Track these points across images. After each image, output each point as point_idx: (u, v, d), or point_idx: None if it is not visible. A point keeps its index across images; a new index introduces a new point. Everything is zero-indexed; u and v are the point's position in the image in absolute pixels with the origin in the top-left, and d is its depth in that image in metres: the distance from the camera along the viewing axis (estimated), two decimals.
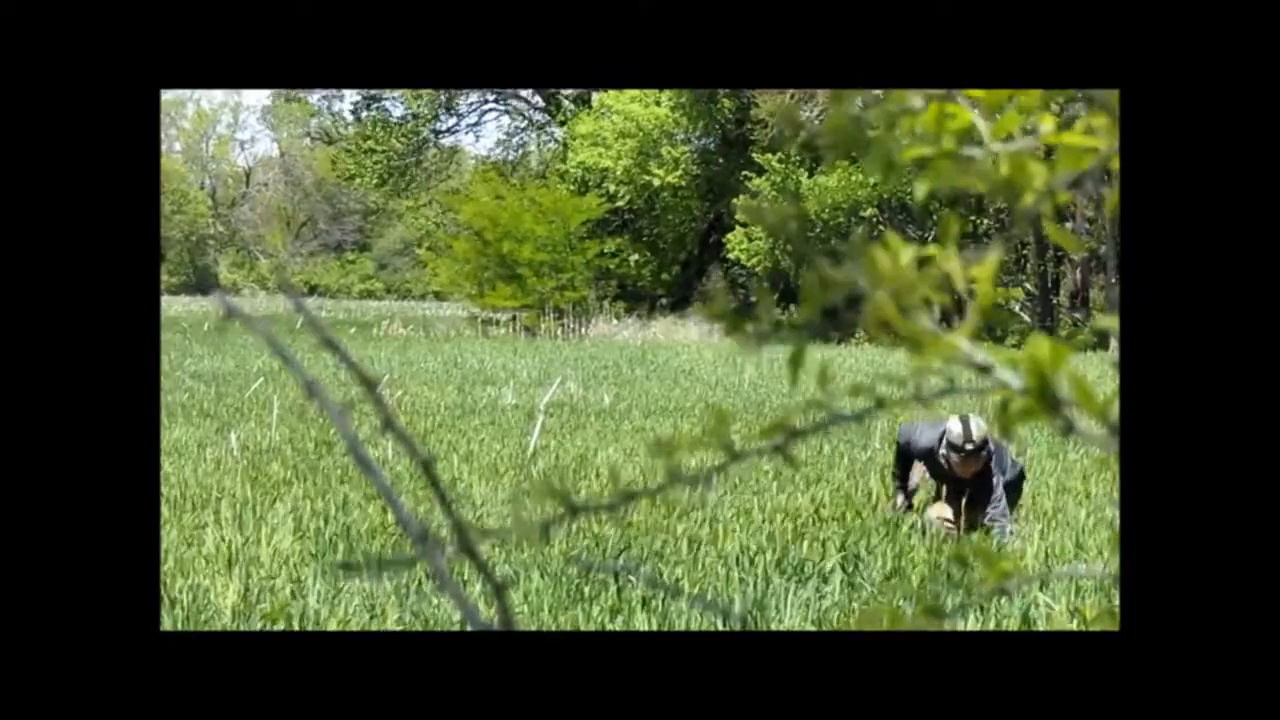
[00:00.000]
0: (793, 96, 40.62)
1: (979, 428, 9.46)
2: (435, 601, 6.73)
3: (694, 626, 6.48)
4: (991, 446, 9.75)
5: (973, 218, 41.37)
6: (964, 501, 9.55)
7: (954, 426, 9.49)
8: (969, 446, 9.43)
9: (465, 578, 6.68)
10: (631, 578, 7.38)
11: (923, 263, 1.17)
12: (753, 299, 1.19)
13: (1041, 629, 6.65)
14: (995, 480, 9.63)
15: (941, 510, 9.55)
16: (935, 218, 41.84)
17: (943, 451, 9.63)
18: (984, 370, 1.16)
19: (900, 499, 10.32)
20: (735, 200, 41.85)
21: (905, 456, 10.22)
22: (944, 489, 9.77)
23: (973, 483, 9.53)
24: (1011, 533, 9.48)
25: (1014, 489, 9.82)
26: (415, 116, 58.17)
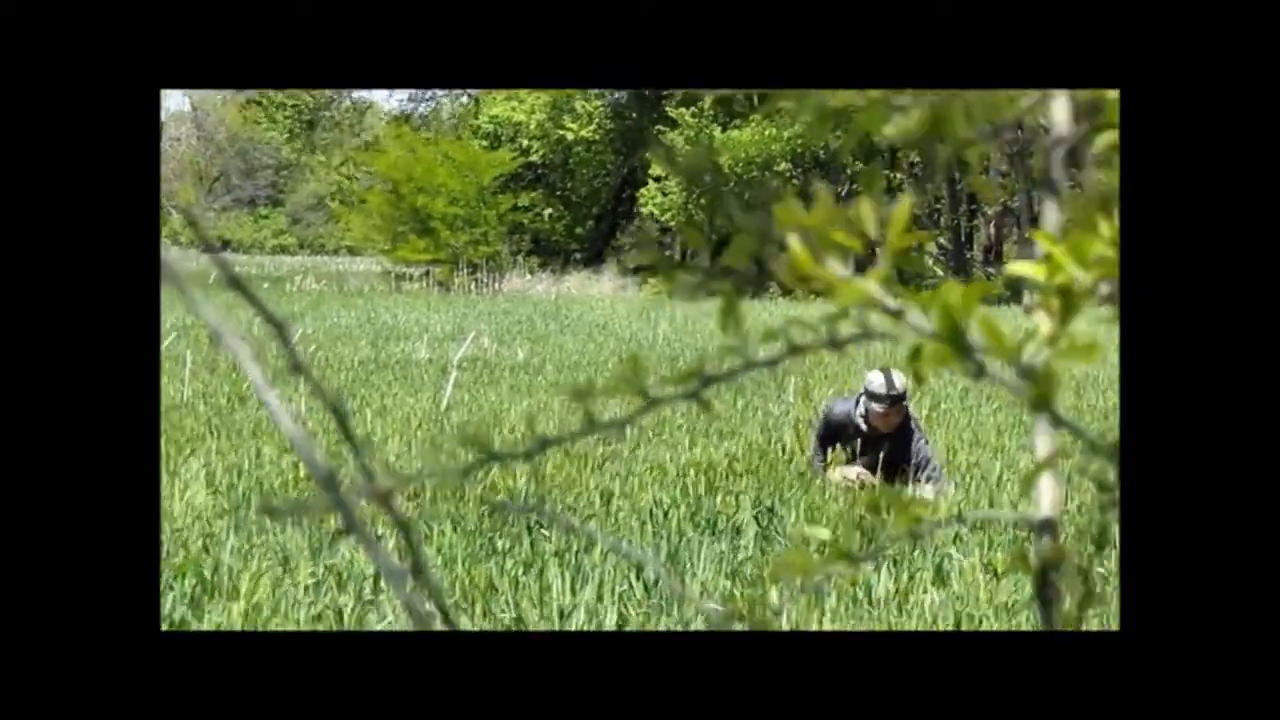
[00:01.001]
0: None
1: (900, 378, 9.52)
2: (347, 555, 6.72)
3: (608, 579, 6.49)
4: (913, 411, 9.81)
5: (887, 171, 41.49)
6: (881, 457, 9.56)
7: (874, 378, 9.56)
8: (892, 393, 9.49)
9: (379, 534, 6.67)
10: (544, 530, 7.39)
11: (836, 210, 1.18)
12: (669, 253, 1.19)
13: (955, 582, 6.71)
14: (918, 439, 9.72)
15: (847, 471, 9.56)
16: (848, 172, 41.99)
17: (860, 411, 9.66)
18: (896, 315, 1.16)
19: (818, 464, 10.22)
20: (649, 154, 41.78)
21: (825, 432, 10.11)
22: (858, 452, 9.76)
23: (892, 440, 9.57)
24: (944, 491, 9.54)
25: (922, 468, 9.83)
26: None
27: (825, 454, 10.03)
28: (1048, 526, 1.22)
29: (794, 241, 1.16)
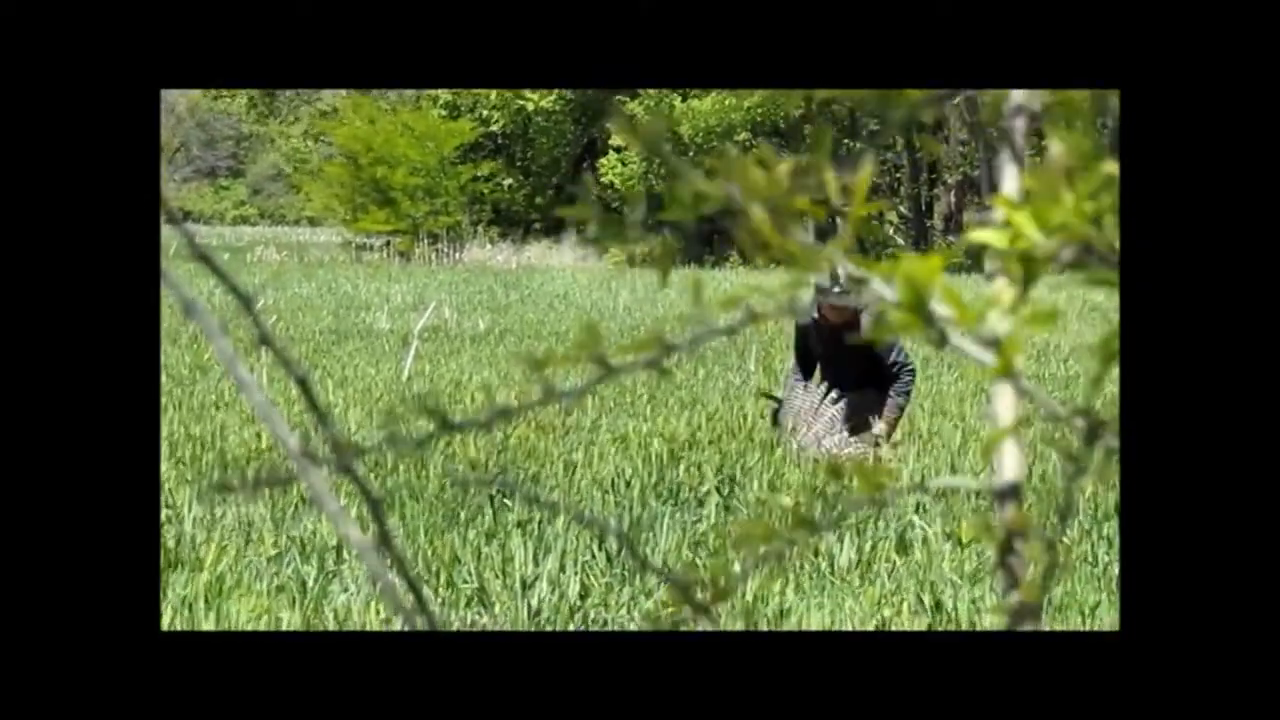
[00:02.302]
0: None
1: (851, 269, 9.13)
2: (310, 527, 6.73)
3: (570, 549, 6.50)
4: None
5: (845, 140, 41.45)
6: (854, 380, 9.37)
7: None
8: (838, 288, 9.08)
9: (343, 503, 6.66)
10: (507, 501, 7.39)
11: (797, 177, 1.18)
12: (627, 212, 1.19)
13: (918, 551, 6.73)
14: (896, 352, 9.49)
15: (822, 438, 9.41)
16: (808, 140, 41.93)
17: (814, 314, 9.41)
18: (859, 283, 1.17)
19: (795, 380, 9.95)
20: (608, 124, 41.75)
21: (799, 343, 9.88)
22: (824, 365, 9.56)
23: (857, 354, 9.22)
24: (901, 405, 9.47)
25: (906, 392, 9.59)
26: None
27: (804, 372, 9.79)
28: (1011, 493, 1.22)
29: (755, 210, 1.17)
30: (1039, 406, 1.20)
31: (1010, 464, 1.23)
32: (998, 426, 1.23)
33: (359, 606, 5.75)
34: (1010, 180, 1.23)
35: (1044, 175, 1.17)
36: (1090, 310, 21.89)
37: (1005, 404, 1.22)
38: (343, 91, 55.81)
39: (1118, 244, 1.16)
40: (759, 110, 42.57)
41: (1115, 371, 1.23)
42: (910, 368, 9.59)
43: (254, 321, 1.16)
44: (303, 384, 1.16)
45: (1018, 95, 1.26)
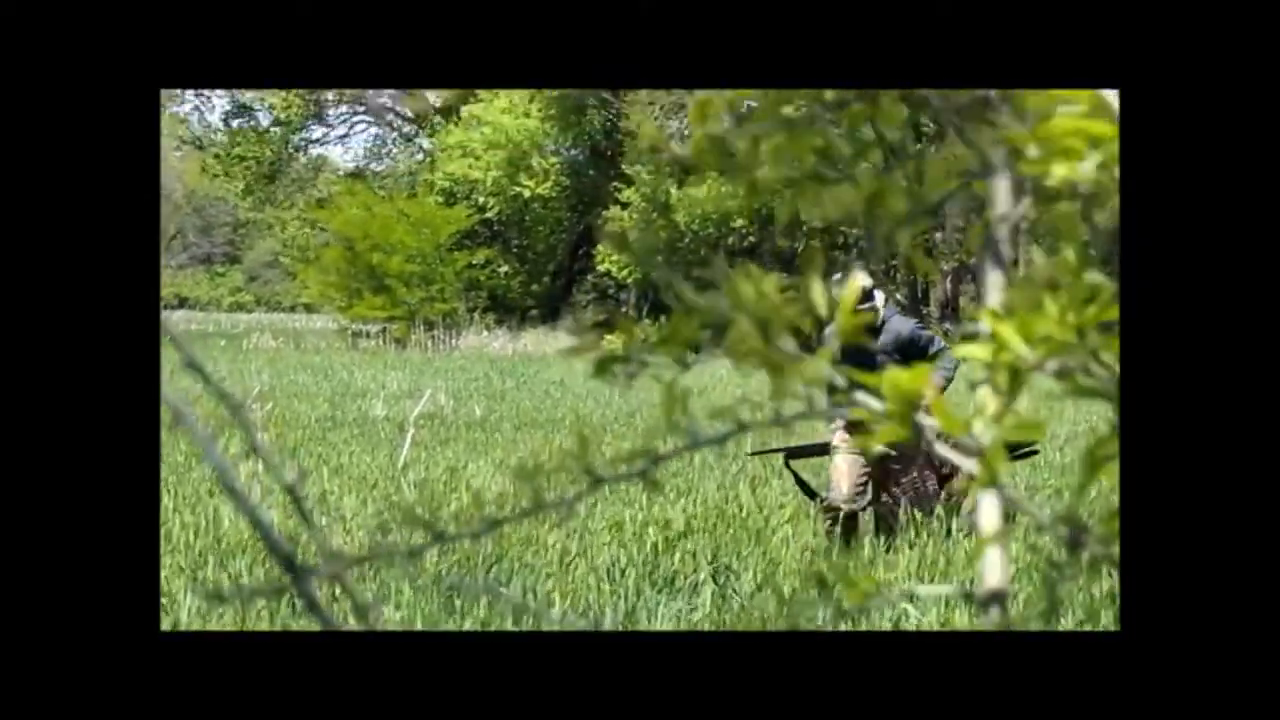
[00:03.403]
0: (660, 110, 40.62)
1: (862, 277, 8.53)
2: (305, 623, 6.70)
3: None
4: (889, 311, 9.19)
5: (842, 230, 41.46)
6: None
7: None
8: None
9: (335, 595, 6.64)
10: (503, 589, 7.36)
11: (786, 289, 1.19)
12: (624, 309, 1.20)
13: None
14: (935, 344, 9.18)
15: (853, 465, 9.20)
16: (804, 230, 42.04)
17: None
18: (846, 394, 1.18)
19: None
20: (605, 214, 41.90)
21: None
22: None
23: (882, 359, 8.72)
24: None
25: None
26: (284, 123, 57.67)
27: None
28: (996, 599, 1.23)
29: (743, 320, 1.18)
30: (1024, 514, 1.21)
31: (994, 571, 1.23)
32: (983, 533, 1.23)
33: None
34: (994, 291, 1.24)
35: (1028, 287, 1.18)
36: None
37: (990, 512, 1.22)
38: (338, 177, 55.93)
39: (1109, 359, 1.17)
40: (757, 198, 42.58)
41: (1105, 479, 1.24)
42: (949, 350, 9.21)
43: (245, 428, 1.17)
44: (291, 491, 1.17)
45: (1002, 205, 1.27)
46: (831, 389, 1.21)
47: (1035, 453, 12.11)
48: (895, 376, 1.15)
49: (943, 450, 1.23)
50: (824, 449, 9.96)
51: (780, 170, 1.35)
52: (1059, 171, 1.25)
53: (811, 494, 9.98)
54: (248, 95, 55.90)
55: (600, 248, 46.31)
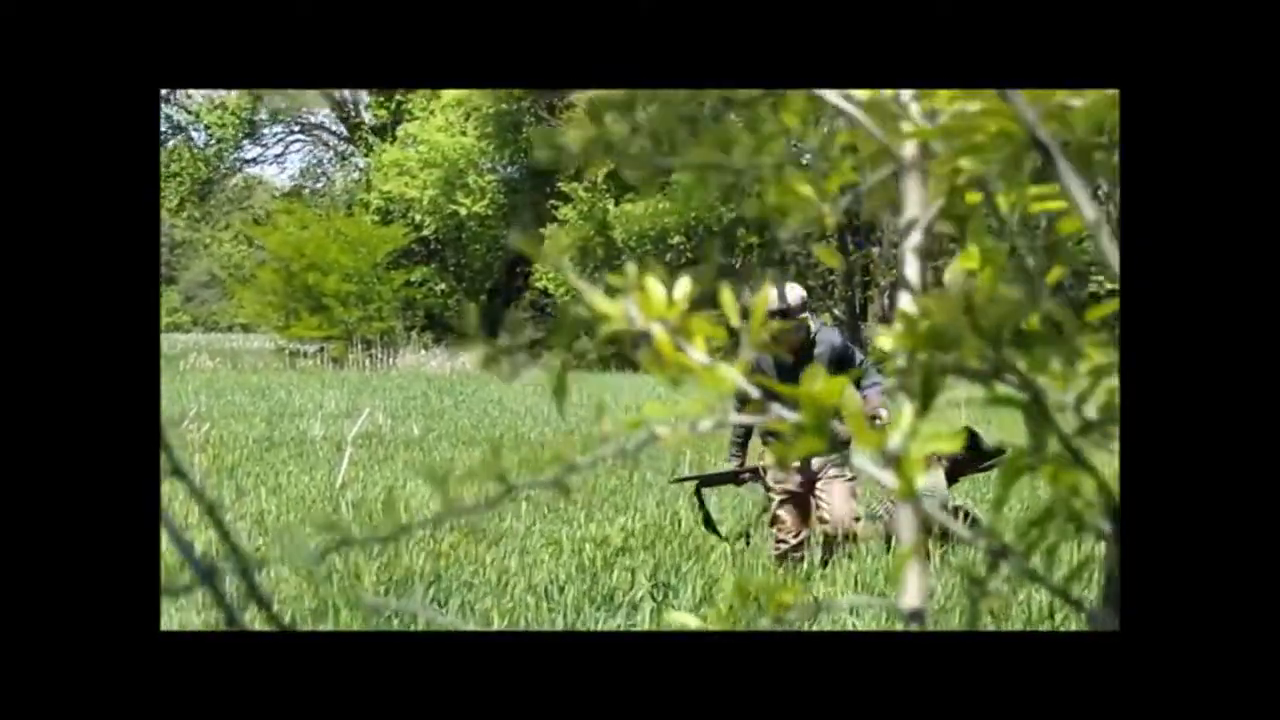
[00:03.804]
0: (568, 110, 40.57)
1: (793, 291, 8.51)
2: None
3: None
4: (820, 324, 8.81)
5: (759, 240, 41.47)
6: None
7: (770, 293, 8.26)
8: (781, 307, 8.34)
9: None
10: (442, 607, 7.34)
11: (698, 297, 1.18)
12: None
13: None
14: (868, 379, 8.76)
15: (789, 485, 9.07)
16: (742, 244, 42.15)
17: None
18: (761, 403, 1.16)
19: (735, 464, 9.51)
20: (521, 244, 41.82)
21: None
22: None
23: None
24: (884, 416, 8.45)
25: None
26: (219, 141, 57.49)
27: (743, 436, 9.27)
28: (915, 616, 1.22)
29: (657, 329, 1.16)
30: (943, 528, 1.20)
31: (914, 586, 1.22)
32: (902, 548, 1.22)
33: None
34: (907, 295, 1.23)
35: (941, 298, 1.17)
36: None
37: (908, 525, 1.21)
38: (274, 196, 55.78)
39: (1021, 365, 1.16)
40: (691, 214, 42.70)
41: (1021, 488, 1.23)
42: (879, 381, 8.79)
43: (166, 452, 1.15)
44: (211, 510, 1.15)
45: (912, 209, 1.26)
46: (744, 400, 1.20)
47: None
48: (812, 387, 1.14)
49: (859, 462, 1.21)
50: (732, 478, 9.79)
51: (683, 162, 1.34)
52: (965, 167, 1.24)
53: (713, 527, 9.80)
54: (183, 116, 55.74)
55: (537, 265, 46.31)
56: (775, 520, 9.39)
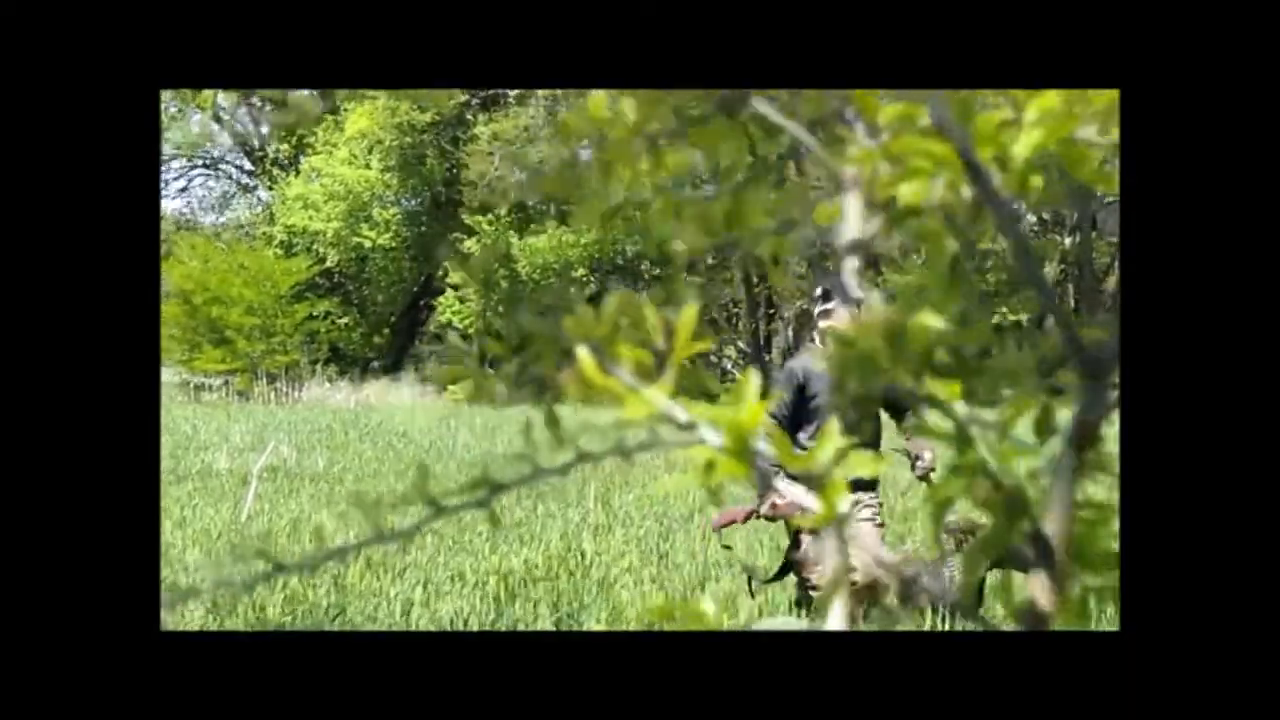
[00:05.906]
0: (498, 158, 40.59)
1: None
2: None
3: None
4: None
5: (686, 275, 41.46)
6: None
7: (817, 291, 7.80)
8: (832, 301, 7.37)
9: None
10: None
11: (624, 318, 1.18)
12: (467, 360, 1.19)
13: None
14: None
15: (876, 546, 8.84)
16: (647, 277, 42.22)
17: (813, 337, 8.10)
18: (686, 427, 1.17)
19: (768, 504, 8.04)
20: (447, 263, 41.73)
21: (791, 397, 7.98)
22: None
23: None
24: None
25: None
26: None
27: (798, 433, 7.92)
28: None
29: (582, 351, 1.17)
30: (866, 554, 1.21)
31: (836, 613, 1.23)
32: (826, 580, 1.23)
33: None
34: (840, 316, 1.24)
35: (864, 326, 1.18)
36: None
37: (831, 556, 1.22)
38: (177, 229, 55.40)
39: (951, 393, 1.17)
40: (595, 247, 42.75)
41: (947, 517, 1.24)
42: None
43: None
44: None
45: (851, 230, 1.27)
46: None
47: None
48: (732, 410, 1.15)
49: (782, 485, 1.22)
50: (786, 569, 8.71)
51: (638, 190, 1.35)
52: (907, 191, 1.25)
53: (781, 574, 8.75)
54: None
55: (441, 300, 46.21)
56: (802, 563, 8.45)
